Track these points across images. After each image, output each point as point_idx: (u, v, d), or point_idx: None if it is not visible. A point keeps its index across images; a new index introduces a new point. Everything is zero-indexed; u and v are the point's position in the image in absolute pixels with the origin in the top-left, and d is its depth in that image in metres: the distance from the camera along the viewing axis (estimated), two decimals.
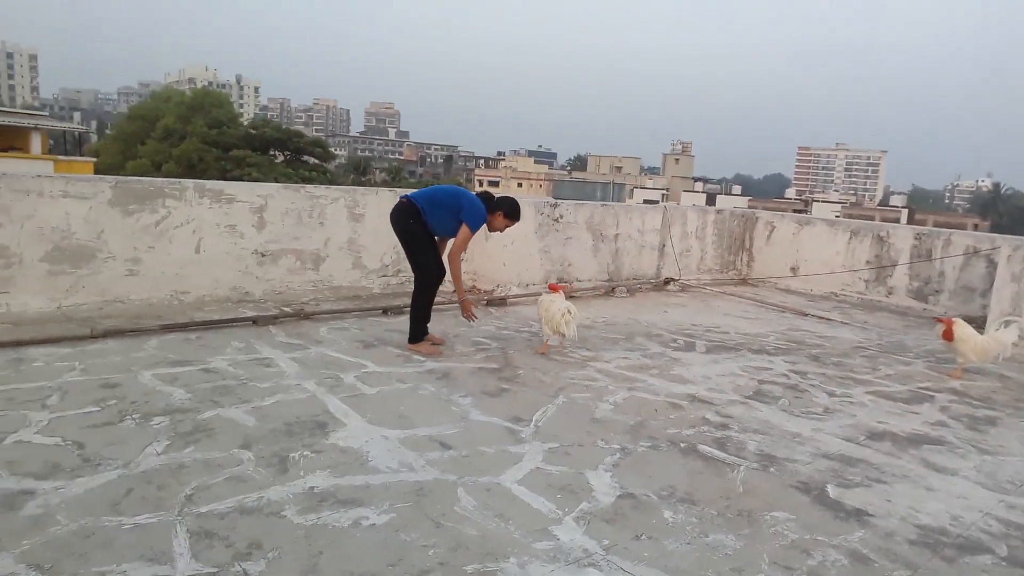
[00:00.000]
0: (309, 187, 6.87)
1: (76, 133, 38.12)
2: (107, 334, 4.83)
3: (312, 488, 2.82)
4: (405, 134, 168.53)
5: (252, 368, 4.34)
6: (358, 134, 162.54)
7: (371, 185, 7.12)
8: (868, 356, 5.81)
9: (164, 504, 2.61)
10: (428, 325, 5.14)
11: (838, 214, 55.20)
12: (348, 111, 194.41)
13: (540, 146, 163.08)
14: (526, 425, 3.68)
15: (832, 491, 3.13)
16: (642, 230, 8.63)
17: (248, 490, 2.77)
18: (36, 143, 30.89)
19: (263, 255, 6.45)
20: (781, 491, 3.10)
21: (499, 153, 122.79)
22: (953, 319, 5.36)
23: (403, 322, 5.55)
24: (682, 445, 3.55)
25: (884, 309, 8.35)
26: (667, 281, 8.70)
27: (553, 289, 5.17)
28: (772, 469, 3.33)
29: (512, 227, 5.24)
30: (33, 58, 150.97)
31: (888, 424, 4.10)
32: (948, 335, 5.28)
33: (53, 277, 5.49)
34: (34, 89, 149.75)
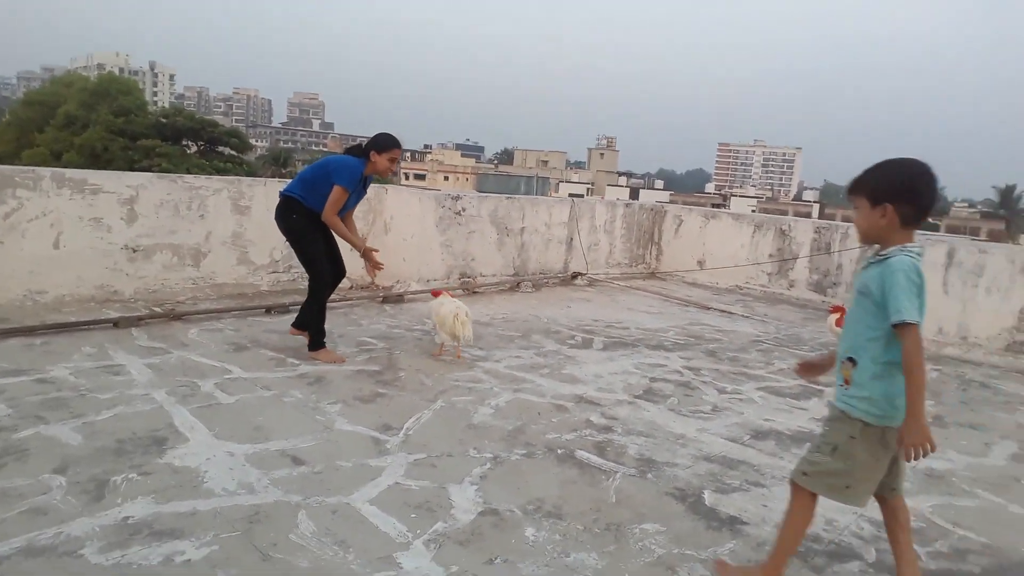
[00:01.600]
0: (188, 177, 6.37)
1: None
2: None
3: (126, 519, 2.47)
4: (330, 126, 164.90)
5: (97, 376, 3.89)
6: (280, 125, 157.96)
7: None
8: (763, 350, 5.80)
9: None
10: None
11: (754, 208, 56.99)
12: (270, 101, 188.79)
13: (467, 139, 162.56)
14: (395, 434, 3.40)
15: (708, 498, 2.99)
16: (549, 224, 8.46)
17: (46, 524, 2.39)
18: None
19: (134, 251, 5.93)
20: (655, 500, 2.93)
21: (426, 146, 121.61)
22: (845, 307, 5.38)
23: (286, 321, 5.19)
24: (559, 452, 3.35)
25: (785, 302, 8.45)
26: (575, 276, 8.57)
27: (435, 294, 4.93)
28: (650, 475, 3.17)
29: (397, 156, 4.74)
30: None
31: (774, 422, 4.02)
32: (841, 322, 5.29)
33: None
34: None
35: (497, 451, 3.29)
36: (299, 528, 2.49)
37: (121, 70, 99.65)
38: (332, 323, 5.54)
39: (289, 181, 4.95)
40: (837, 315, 5.33)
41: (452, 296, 4.92)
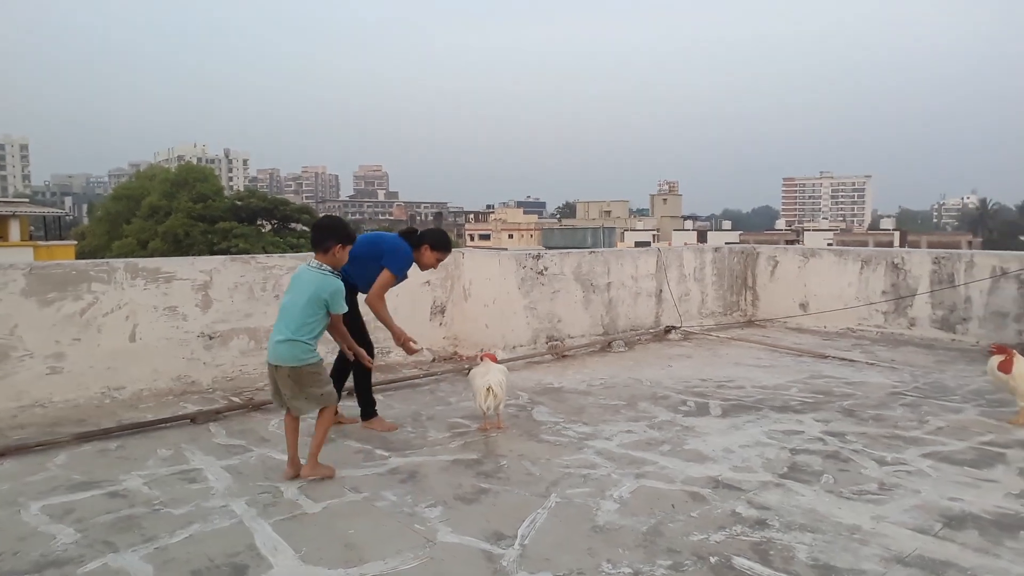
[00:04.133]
0: (260, 257, 6.14)
1: (59, 217, 37.77)
2: (5, 453, 4.02)
3: None
4: (394, 195, 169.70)
5: (172, 486, 3.52)
6: (348, 198, 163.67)
7: None
8: (908, 404, 5.01)
9: None
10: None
11: (830, 241, 54.70)
12: (337, 176, 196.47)
13: (529, 196, 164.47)
14: (509, 544, 2.86)
15: None
16: (636, 276, 7.90)
17: None
18: (15, 230, 30.46)
19: (211, 337, 5.68)
20: None
21: (488, 206, 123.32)
22: (1013, 350, 4.57)
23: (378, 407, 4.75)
24: (712, 560, 2.72)
25: (908, 343, 7.57)
26: (668, 330, 7.93)
27: (488, 358, 4.55)
28: None
29: (446, 260, 4.86)
30: (24, 147, 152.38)
31: (964, 501, 3.28)
32: (1007, 366, 4.49)
33: None
34: (25, 177, 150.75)
35: (635, 563, 2.70)
36: None
37: (199, 159, 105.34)
38: (419, 402, 5.12)
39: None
40: (1001, 357, 4.53)
41: (496, 361, 4.55)
